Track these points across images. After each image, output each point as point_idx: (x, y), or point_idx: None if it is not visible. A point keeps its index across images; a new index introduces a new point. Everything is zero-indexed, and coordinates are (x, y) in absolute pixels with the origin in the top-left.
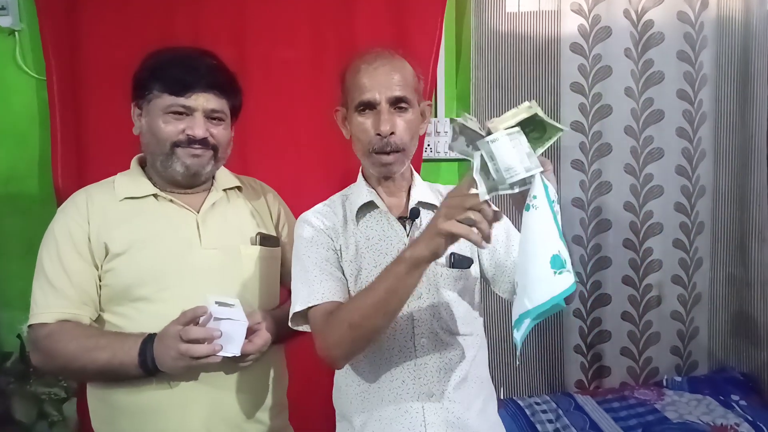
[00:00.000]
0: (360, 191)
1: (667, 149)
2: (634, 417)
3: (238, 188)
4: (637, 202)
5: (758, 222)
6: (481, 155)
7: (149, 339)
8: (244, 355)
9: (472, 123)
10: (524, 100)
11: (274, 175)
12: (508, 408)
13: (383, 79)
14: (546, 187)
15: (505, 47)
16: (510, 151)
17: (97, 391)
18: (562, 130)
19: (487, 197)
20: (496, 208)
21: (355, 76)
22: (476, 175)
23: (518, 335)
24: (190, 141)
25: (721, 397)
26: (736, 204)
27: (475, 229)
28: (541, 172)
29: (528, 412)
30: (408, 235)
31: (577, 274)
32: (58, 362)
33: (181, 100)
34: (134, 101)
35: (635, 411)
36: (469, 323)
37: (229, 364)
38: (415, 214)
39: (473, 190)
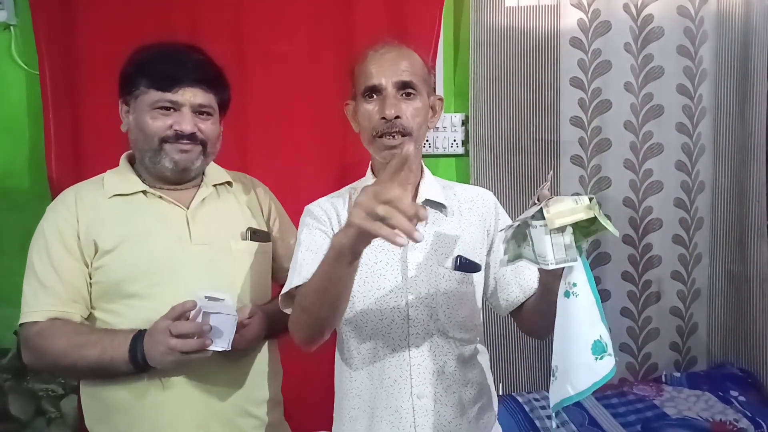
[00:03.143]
0: (365, 185)
1: (667, 144)
2: (632, 413)
3: (228, 183)
4: (637, 198)
5: (757, 218)
6: (518, 227)
7: (139, 335)
8: (235, 350)
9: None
10: (523, 96)
11: (271, 169)
12: (507, 404)
13: (390, 64)
14: (588, 271)
15: (504, 42)
16: (546, 242)
17: (89, 388)
18: (610, 232)
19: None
20: (423, 209)
21: (362, 63)
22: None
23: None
24: (178, 136)
25: (720, 393)
26: (736, 200)
27: (384, 227)
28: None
29: (527, 408)
30: None
31: None
32: (49, 360)
33: (168, 96)
34: (121, 98)
35: (634, 407)
36: (469, 329)
37: (221, 359)
38: None
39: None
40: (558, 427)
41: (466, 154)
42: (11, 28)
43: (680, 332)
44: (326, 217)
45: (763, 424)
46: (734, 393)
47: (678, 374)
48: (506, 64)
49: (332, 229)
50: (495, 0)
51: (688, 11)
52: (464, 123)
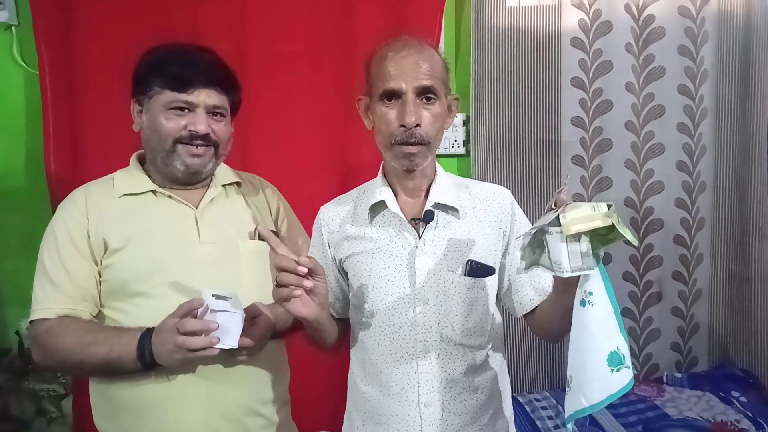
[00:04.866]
0: (375, 188)
1: (668, 145)
2: (634, 413)
3: (237, 184)
4: (638, 198)
5: (759, 218)
6: (534, 234)
7: (147, 333)
8: (242, 348)
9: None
10: (524, 96)
11: (273, 169)
12: None
13: (410, 67)
14: (606, 280)
15: (505, 42)
16: (562, 250)
17: (97, 385)
18: (628, 240)
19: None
20: (305, 268)
21: (380, 63)
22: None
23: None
24: (192, 137)
25: (722, 394)
26: (737, 200)
27: (292, 291)
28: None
29: (528, 409)
30: (420, 237)
31: None
32: (57, 357)
33: (183, 96)
34: (134, 98)
35: (635, 407)
36: (480, 335)
37: (228, 358)
38: (428, 217)
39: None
40: (558, 427)
41: (468, 154)
42: (12, 28)
43: (681, 333)
44: (327, 230)
45: (764, 424)
46: (735, 393)
47: (679, 375)
48: (507, 64)
49: (328, 244)
50: (496, 0)
51: (689, 11)
52: (465, 123)
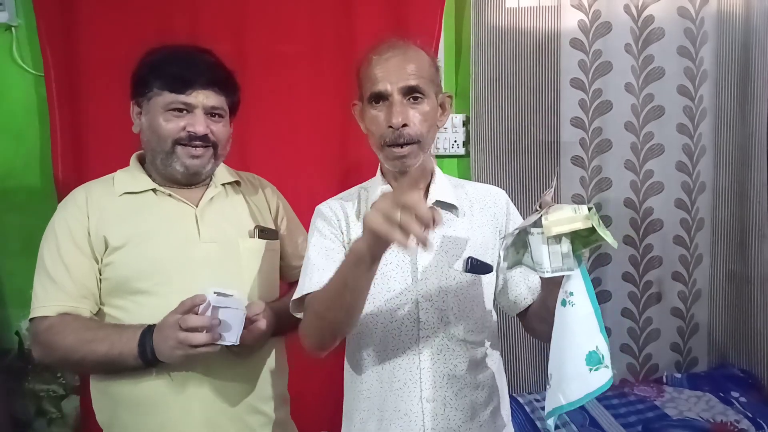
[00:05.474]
0: (375, 187)
1: (668, 145)
2: (633, 414)
3: (237, 183)
4: (638, 199)
5: (758, 218)
6: (518, 234)
7: (148, 330)
8: (243, 345)
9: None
10: (524, 97)
11: (273, 169)
12: None
13: (395, 69)
14: (587, 281)
15: (505, 43)
16: (543, 250)
17: (98, 383)
18: (607, 242)
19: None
20: (439, 214)
21: (367, 68)
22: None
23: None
24: (191, 138)
25: (721, 394)
26: (737, 200)
27: (398, 230)
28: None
29: (528, 409)
30: None
31: None
32: (58, 354)
33: (182, 98)
34: (133, 99)
35: (635, 408)
36: (480, 332)
37: (229, 356)
38: None
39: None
40: (558, 428)
41: (467, 155)
42: (12, 29)
43: (681, 333)
44: (335, 219)
45: (764, 424)
46: (735, 394)
47: (679, 375)
48: (507, 65)
49: (341, 232)
50: (496, 1)
51: (689, 12)
52: (465, 124)
